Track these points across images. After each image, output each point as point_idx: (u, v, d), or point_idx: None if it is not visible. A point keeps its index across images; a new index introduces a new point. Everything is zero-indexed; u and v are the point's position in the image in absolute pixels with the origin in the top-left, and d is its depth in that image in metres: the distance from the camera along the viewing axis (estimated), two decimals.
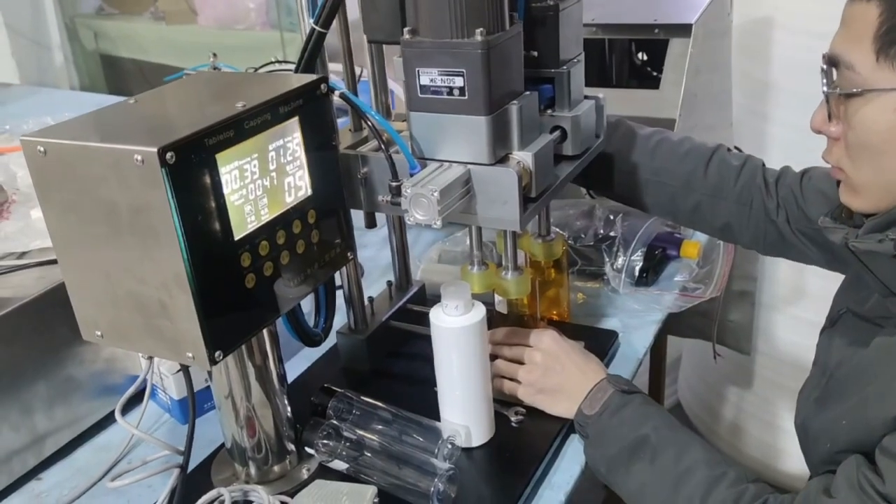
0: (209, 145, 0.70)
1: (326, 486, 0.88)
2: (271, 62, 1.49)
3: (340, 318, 1.13)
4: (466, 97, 0.81)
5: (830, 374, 0.89)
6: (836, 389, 0.86)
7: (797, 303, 1.85)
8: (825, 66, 0.78)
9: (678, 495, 0.86)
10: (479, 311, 0.93)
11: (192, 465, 0.97)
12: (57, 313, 0.81)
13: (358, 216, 1.06)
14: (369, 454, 0.93)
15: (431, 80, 0.82)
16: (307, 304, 1.05)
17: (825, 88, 0.79)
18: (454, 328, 0.92)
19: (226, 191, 0.72)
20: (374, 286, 1.24)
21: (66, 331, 0.81)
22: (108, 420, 1.07)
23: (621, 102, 1.32)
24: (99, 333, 0.80)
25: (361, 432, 0.95)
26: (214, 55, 1.65)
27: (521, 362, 1.02)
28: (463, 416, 0.96)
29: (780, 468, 2.04)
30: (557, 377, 0.99)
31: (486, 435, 0.97)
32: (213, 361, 0.74)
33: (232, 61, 1.03)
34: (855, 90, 0.76)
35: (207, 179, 0.71)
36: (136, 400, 1.01)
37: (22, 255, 1.06)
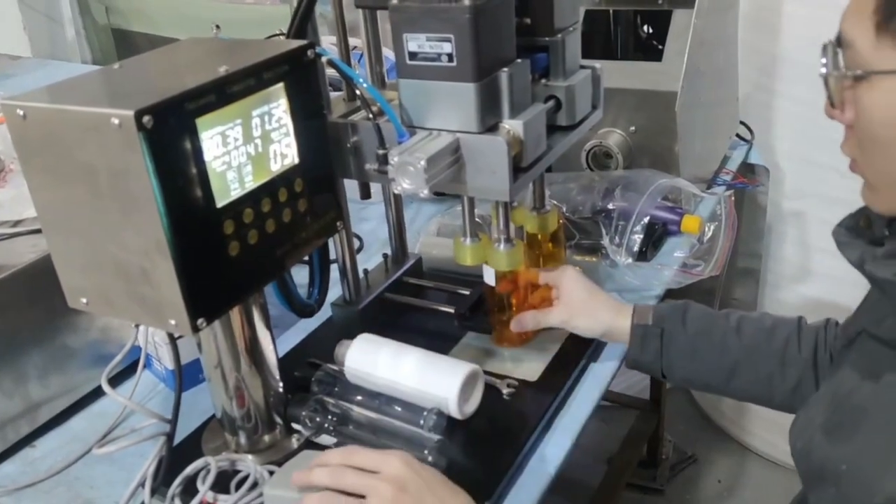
0: (189, 109, 0.69)
1: (313, 457, 0.88)
2: (276, 35, 1.48)
3: (337, 292, 1.13)
4: (455, 63, 0.79)
5: (839, 403, 0.80)
6: (846, 424, 0.77)
7: (803, 281, 1.83)
8: (830, 45, 0.69)
9: None
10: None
11: (185, 434, 0.98)
12: (50, 281, 0.80)
13: (354, 188, 1.05)
14: (356, 428, 0.92)
15: (419, 47, 0.80)
16: (303, 276, 1.05)
17: (822, 70, 0.69)
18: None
19: (207, 157, 0.72)
20: (373, 259, 1.23)
21: (60, 299, 0.81)
22: (103, 389, 1.08)
23: (623, 75, 1.30)
24: (84, 300, 0.80)
25: (348, 406, 0.95)
26: (217, 27, 1.63)
27: (360, 495, 0.77)
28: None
29: (786, 447, 2.02)
30: None
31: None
32: (195, 329, 0.74)
33: (241, 35, 1.02)
34: (856, 72, 0.66)
35: (187, 144, 0.70)
36: (134, 369, 1.02)
37: (16, 223, 1.06)
